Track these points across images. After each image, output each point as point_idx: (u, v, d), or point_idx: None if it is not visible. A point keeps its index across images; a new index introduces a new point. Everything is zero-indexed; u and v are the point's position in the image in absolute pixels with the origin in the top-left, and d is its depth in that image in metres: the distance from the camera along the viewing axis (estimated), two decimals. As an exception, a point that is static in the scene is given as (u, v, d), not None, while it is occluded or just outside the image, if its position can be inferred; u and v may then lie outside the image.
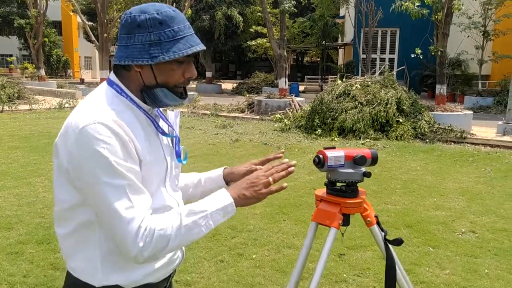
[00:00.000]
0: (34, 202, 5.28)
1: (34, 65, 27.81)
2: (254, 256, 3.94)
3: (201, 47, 1.26)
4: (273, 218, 4.89)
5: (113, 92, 1.27)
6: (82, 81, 32.99)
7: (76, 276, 1.29)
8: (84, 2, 32.47)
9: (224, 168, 1.62)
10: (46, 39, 33.48)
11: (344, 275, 3.62)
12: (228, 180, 1.60)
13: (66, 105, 15.99)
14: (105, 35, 19.22)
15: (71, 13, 31.54)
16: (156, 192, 1.31)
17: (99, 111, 1.20)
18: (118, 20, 20.93)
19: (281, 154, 1.55)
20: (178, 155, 1.40)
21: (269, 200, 5.55)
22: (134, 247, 1.16)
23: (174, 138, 1.41)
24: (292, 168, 1.35)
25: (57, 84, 24.30)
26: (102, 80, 19.62)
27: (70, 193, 1.23)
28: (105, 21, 19.19)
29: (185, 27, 1.25)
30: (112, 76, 1.30)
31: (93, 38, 20.72)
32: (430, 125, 10.81)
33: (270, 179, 1.31)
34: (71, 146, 1.17)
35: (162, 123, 1.40)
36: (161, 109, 1.45)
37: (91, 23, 29.96)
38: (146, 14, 1.22)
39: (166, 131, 1.38)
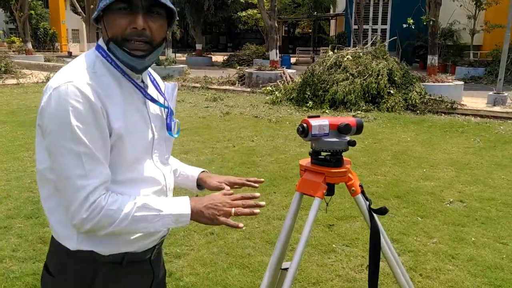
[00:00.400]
0: (22, 176, 5.24)
1: (21, 39, 27.20)
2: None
3: None
4: (264, 190, 4.89)
5: (98, 55, 1.25)
6: (70, 54, 32.40)
7: (56, 239, 1.30)
8: (69, -27, 31.55)
9: (202, 171, 1.60)
10: (33, 12, 32.65)
11: (333, 245, 3.65)
12: (200, 184, 1.59)
13: (54, 79, 15.72)
14: (92, 6, 18.74)
15: (57, -16, 30.69)
16: (139, 162, 1.28)
17: (76, 72, 1.18)
18: (105, -9, 20.36)
19: (257, 185, 1.53)
20: (169, 128, 1.36)
21: (260, 173, 5.55)
22: (77, 215, 1.16)
23: (167, 110, 1.36)
24: (258, 210, 1.28)
25: (44, 58, 23.86)
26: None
27: (46, 153, 1.22)
28: (91, -8, 18.68)
29: None
30: (100, 41, 1.27)
31: (79, 10, 20.20)
32: (421, 96, 10.79)
33: (233, 211, 1.25)
34: (44, 104, 1.17)
35: (154, 93, 1.36)
36: (157, 80, 1.42)
37: (78, -6, 29.16)
38: None
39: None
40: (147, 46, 1.21)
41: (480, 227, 4.05)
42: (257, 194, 1.32)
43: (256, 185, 1.54)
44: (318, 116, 1.49)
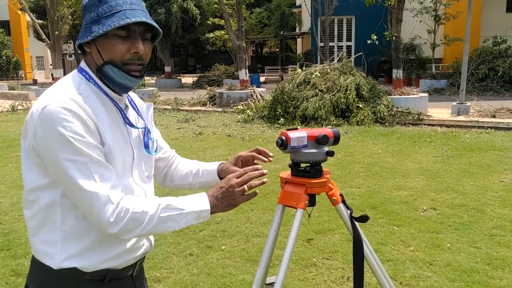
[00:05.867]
0: (-10, 208, 5.05)
1: (-18, 68, 26.56)
2: (223, 248, 3.92)
3: (136, 19, 1.22)
4: (241, 208, 4.88)
5: (81, 77, 1.30)
6: (35, 82, 31.78)
7: (38, 259, 1.30)
8: (32, 0, 31.11)
9: (220, 163, 1.64)
10: (-7, 40, 31.95)
11: (314, 259, 3.66)
12: (222, 176, 1.60)
13: (19, 107, 15.36)
14: (56, 32, 18.53)
15: (19, 12, 30.12)
16: (121, 179, 1.30)
17: (63, 92, 1.22)
18: (69, 16, 20.19)
19: (267, 160, 1.57)
20: (146, 146, 1.40)
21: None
22: (103, 219, 1.18)
23: (144, 129, 1.42)
24: (266, 179, 1.36)
25: (8, 86, 23.31)
26: (55, 80, 18.93)
27: (36, 173, 1.25)
28: (56, 18, 18.48)
29: (126, 2, 1.24)
30: (83, 64, 1.32)
31: (43, 36, 19.91)
32: (389, 109, 11.07)
33: (246, 187, 1.32)
34: (35, 125, 1.19)
35: (132, 114, 1.41)
36: (134, 100, 1.46)
37: (41, 21, 28.73)
38: None
39: (134, 121, 1.40)
40: (141, 67, 1.30)
41: (454, 233, 4.15)
42: (259, 166, 1.39)
43: (266, 159, 1.56)
44: (296, 129, 1.52)
